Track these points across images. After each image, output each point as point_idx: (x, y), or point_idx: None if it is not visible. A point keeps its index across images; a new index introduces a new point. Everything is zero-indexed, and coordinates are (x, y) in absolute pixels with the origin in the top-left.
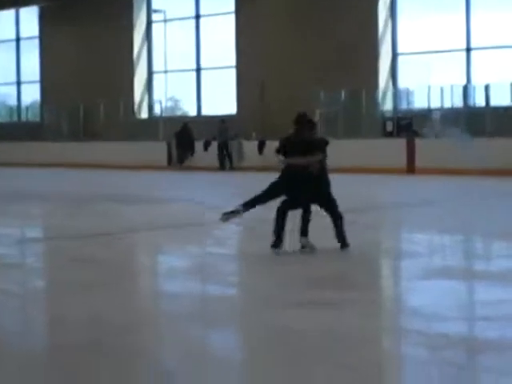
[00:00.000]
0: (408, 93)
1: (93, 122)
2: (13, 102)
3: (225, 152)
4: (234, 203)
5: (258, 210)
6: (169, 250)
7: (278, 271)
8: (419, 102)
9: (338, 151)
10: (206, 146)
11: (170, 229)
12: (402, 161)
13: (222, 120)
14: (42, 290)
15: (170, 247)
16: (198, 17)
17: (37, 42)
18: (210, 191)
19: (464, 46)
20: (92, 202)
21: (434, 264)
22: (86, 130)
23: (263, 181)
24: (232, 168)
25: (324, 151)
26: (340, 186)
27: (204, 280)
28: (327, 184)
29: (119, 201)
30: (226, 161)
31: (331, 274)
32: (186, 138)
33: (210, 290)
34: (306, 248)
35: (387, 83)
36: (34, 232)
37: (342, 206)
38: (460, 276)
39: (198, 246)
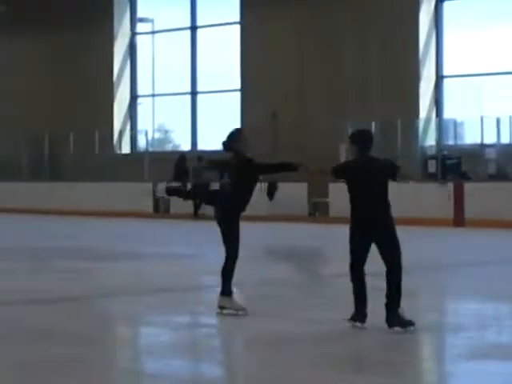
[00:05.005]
0: (455, 125)
1: (60, 157)
2: None
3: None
4: (241, 266)
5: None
6: (150, 320)
7: (283, 349)
8: (470, 137)
9: None
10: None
11: (153, 294)
12: (447, 210)
13: (199, 157)
14: None
15: (152, 317)
16: (194, 28)
17: None
18: (207, 246)
19: None
20: (56, 258)
21: (485, 341)
22: (51, 168)
23: (275, 232)
24: (196, 215)
25: None
26: None
27: (191, 358)
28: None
29: (90, 257)
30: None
31: (352, 353)
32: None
33: (198, 370)
34: None
35: (429, 112)
36: None
37: (370, 268)
38: None
39: (187, 316)
